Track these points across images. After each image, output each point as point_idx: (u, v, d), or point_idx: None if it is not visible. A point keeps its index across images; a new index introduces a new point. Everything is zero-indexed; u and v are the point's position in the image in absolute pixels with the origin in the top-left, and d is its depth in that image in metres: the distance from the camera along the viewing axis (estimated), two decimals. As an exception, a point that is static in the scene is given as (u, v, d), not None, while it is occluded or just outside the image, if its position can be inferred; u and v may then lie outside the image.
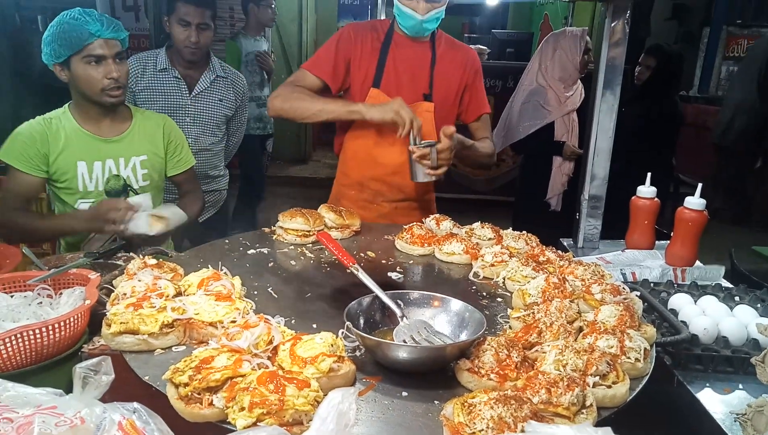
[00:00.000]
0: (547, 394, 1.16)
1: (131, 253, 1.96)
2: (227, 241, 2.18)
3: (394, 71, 2.42)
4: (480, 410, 1.09)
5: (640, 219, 2.38)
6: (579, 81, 4.20)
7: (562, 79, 4.13)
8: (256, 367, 1.23)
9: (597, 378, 1.26)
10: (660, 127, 4.54)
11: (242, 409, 1.07)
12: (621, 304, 1.56)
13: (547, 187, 4.31)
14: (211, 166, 3.32)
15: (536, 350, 1.38)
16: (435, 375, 1.36)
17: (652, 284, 2.00)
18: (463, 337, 1.46)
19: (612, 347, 1.38)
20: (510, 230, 2.26)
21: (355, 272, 1.63)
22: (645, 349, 1.39)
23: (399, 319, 1.48)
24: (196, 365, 1.19)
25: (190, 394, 1.15)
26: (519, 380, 1.25)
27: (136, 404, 1.02)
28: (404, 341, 1.40)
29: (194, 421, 1.14)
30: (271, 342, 1.33)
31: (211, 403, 1.14)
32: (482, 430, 1.06)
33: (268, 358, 1.31)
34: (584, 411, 1.17)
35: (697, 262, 2.25)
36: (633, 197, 2.40)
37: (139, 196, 2.23)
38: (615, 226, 2.69)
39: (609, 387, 1.26)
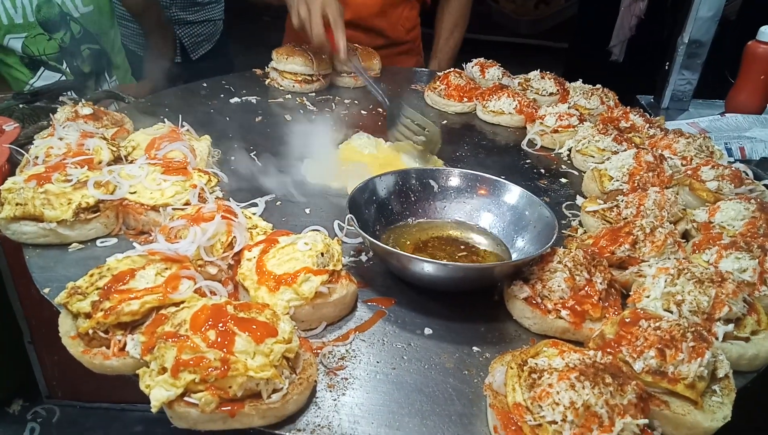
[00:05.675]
0: (658, 358, 0.71)
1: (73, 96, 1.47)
2: (205, 84, 1.68)
3: None
4: (552, 387, 0.66)
5: (754, 72, 1.79)
6: None
7: None
8: (207, 292, 0.80)
9: (730, 326, 0.80)
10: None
11: (163, 370, 0.66)
12: (751, 201, 1.07)
13: (610, 32, 3.63)
14: None
15: (630, 273, 0.92)
16: (475, 298, 0.93)
17: (771, 165, 1.47)
18: (521, 245, 1.01)
19: (745, 271, 0.91)
20: (580, 83, 1.70)
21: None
22: (794, 275, 0.93)
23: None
24: (105, 284, 0.76)
25: (92, 331, 0.73)
26: (607, 323, 0.80)
27: None
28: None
29: (97, 372, 0.73)
30: (231, 246, 0.88)
31: (123, 348, 0.73)
32: (554, 422, 0.64)
33: (229, 267, 0.89)
34: (716, 388, 0.72)
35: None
36: (750, 42, 1.78)
37: None
38: (701, 82, 2.08)
39: (746, 340, 0.81)
